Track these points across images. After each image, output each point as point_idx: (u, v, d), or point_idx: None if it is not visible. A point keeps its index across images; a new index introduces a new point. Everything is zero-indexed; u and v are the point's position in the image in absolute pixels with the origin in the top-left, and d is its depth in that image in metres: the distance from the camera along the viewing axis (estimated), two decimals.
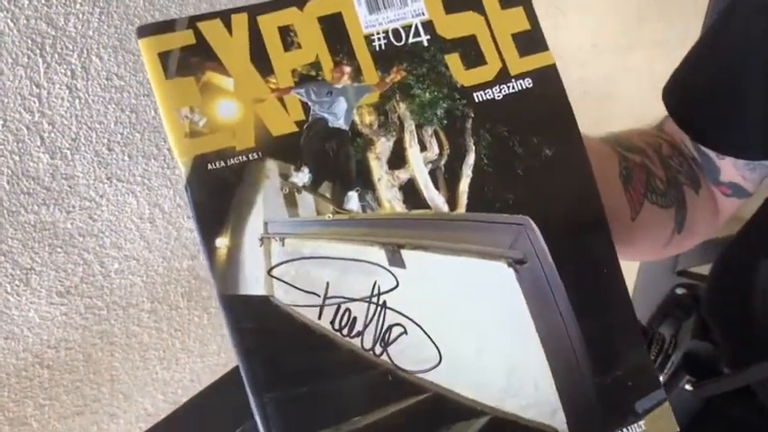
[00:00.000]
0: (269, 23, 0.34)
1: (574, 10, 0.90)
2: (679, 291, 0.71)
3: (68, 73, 0.56)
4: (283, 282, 0.31)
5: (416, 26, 0.35)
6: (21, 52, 0.53)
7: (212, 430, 0.56)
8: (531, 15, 0.36)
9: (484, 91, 0.35)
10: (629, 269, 0.88)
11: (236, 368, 0.31)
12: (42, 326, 0.65)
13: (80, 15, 0.54)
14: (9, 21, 0.51)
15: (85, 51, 0.56)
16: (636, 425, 0.35)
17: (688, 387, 0.58)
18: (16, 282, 0.61)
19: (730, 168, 0.57)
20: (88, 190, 0.61)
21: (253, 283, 0.31)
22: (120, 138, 0.62)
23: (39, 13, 0.52)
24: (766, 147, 0.55)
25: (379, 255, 0.32)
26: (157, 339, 0.74)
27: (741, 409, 0.61)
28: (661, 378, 0.61)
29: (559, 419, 0.34)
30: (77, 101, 0.57)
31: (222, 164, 0.32)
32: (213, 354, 0.81)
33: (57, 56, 0.55)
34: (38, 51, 0.54)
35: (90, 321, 0.67)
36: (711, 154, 0.57)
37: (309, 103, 0.33)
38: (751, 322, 0.60)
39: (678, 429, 0.36)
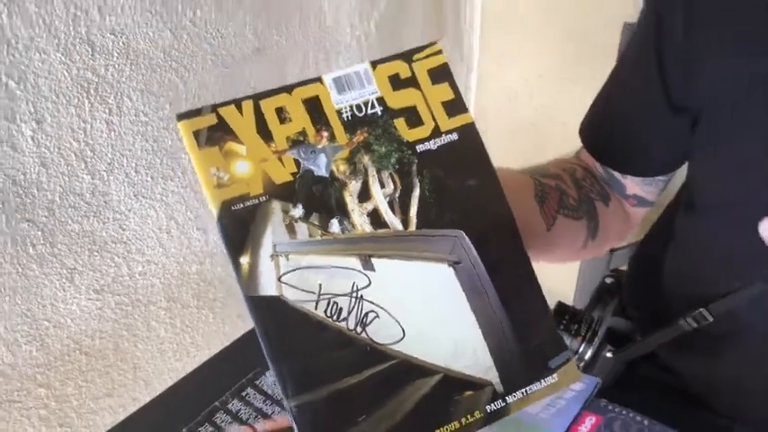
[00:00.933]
0: (268, 105, 0.47)
1: (521, 45, 1.05)
2: (608, 280, 0.85)
3: (107, 111, 0.70)
4: (289, 285, 0.44)
5: (372, 101, 0.49)
6: (72, 95, 0.67)
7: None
8: (455, 88, 0.51)
9: (423, 144, 0.49)
10: (572, 269, 1.02)
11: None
12: (82, 317, 0.76)
13: (116, 66, 0.68)
14: (65, 71, 0.65)
15: (119, 94, 0.70)
16: (550, 377, 0.48)
17: (609, 354, 0.71)
18: (63, 279, 0.73)
19: (633, 184, 0.72)
20: (119, 205, 0.74)
21: (268, 287, 0.44)
22: (144, 162, 0.75)
23: (86, 65, 0.66)
24: (656, 167, 0.70)
25: (355, 263, 0.46)
26: (172, 334, 0.85)
27: (650, 368, 0.75)
28: (590, 351, 0.74)
29: (493, 375, 0.46)
30: (113, 133, 0.71)
31: (241, 205, 0.45)
32: (218, 349, 0.92)
33: (98, 97, 0.69)
34: (85, 94, 0.68)
35: (118, 315, 0.79)
36: (617, 174, 0.72)
37: (300, 160, 0.47)
38: (655, 301, 0.74)
39: (582, 376, 0.49)
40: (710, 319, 0.65)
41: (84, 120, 0.71)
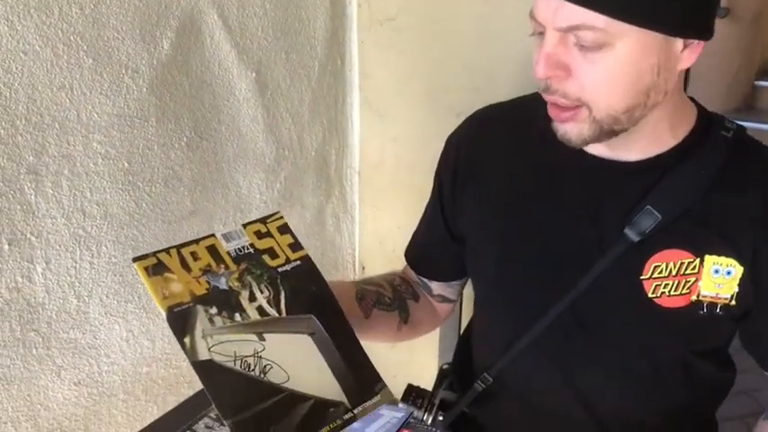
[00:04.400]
0: (186, 251, 0.77)
1: (388, 201, 1.39)
2: (444, 366, 1.20)
3: (90, 255, 0.97)
4: (216, 353, 0.71)
5: (247, 246, 0.81)
6: (68, 244, 0.96)
7: None
8: (293, 236, 0.84)
9: (281, 267, 0.81)
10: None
11: None
12: (64, 403, 1.01)
13: (98, 226, 0.98)
14: (66, 230, 0.94)
15: (99, 244, 0.98)
16: (376, 396, 0.78)
17: (440, 418, 1.01)
18: (53, 374, 0.98)
19: (437, 287, 1.11)
20: (95, 321, 1.00)
21: (203, 354, 0.70)
22: (113, 291, 1.01)
23: (79, 226, 0.96)
24: (453, 273, 1.08)
25: (253, 337, 0.74)
26: (126, 421, 1.05)
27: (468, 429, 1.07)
28: (430, 417, 1.01)
29: (343, 397, 0.76)
30: (93, 270, 0.99)
31: (179, 309, 0.72)
32: None
33: (85, 246, 0.97)
34: (76, 244, 0.97)
35: (89, 403, 1.03)
36: (426, 279, 1.10)
37: (210, 281, 0.76)
38: (467, 375, 1.07)
39: (394, 397, 0.80)
40: (491, 380, 0.99)
41: (75, 261, 0.96)
